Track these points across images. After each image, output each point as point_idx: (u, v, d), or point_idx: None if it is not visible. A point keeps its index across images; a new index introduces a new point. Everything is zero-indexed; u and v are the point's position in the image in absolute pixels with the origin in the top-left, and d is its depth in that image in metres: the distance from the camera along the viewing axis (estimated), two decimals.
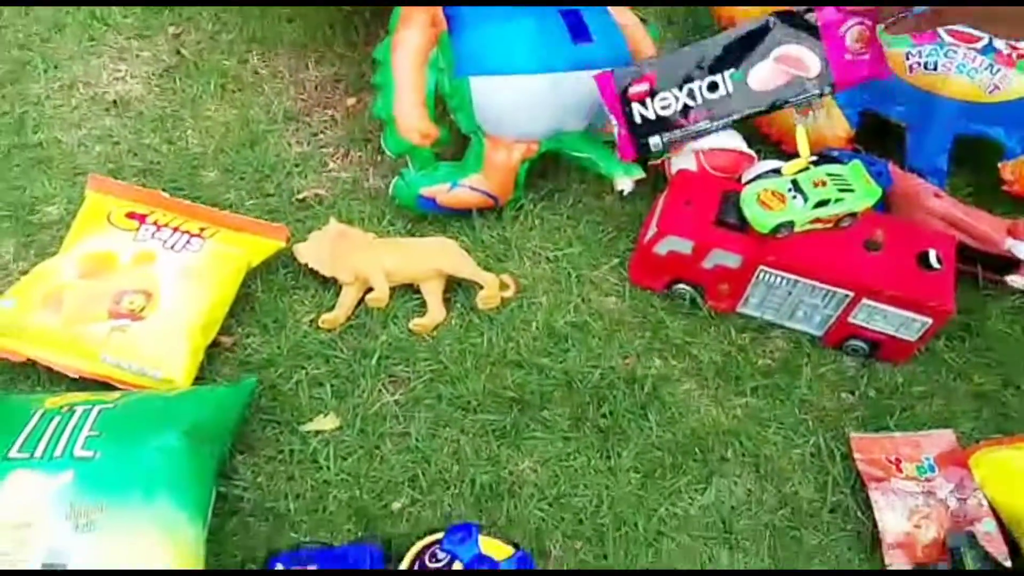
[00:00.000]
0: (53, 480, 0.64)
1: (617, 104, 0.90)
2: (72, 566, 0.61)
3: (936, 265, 0.84)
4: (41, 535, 0.62)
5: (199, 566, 0.65)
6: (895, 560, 0.76)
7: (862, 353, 0.90)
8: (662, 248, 0.89)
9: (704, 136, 0.92)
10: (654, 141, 0.92)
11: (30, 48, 1.12)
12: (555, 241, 0.98)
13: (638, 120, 0.91)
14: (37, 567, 0.61)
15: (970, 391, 0.89)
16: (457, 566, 0.64)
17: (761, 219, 0.83)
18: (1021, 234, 0.92)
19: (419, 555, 0.67)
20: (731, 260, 0.87)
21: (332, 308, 0.89)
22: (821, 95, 0.91)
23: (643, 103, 0.90)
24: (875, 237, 0.86)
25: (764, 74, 0.90)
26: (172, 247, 0.84)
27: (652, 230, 0.89)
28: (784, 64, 0.90)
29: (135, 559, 0.62)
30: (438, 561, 0.65)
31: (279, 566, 0.67)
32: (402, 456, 0.81)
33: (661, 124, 0.91)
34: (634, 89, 0.89)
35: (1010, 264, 0.93)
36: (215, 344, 0.84)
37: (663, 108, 0.90)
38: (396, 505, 0.78)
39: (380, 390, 0.85)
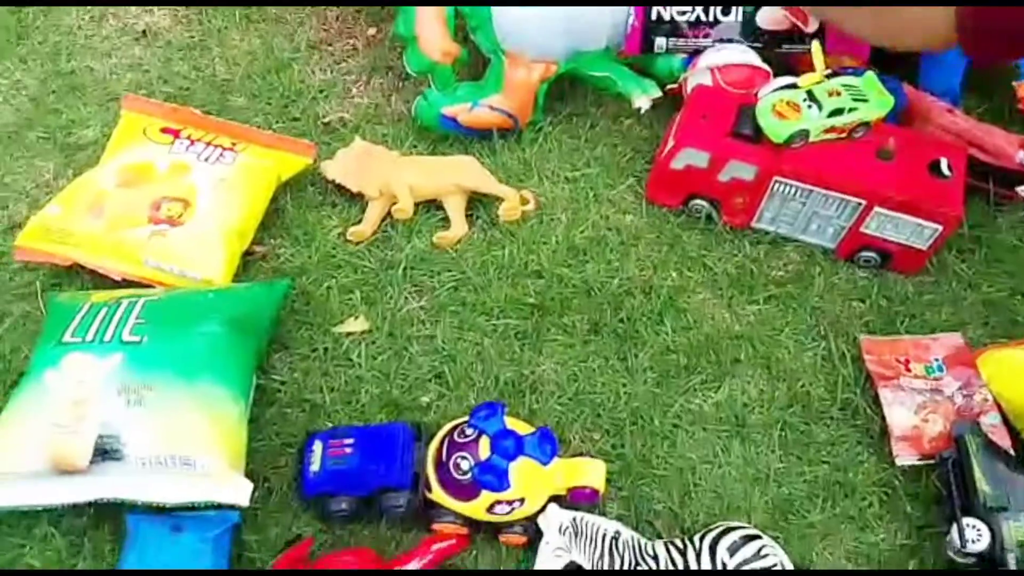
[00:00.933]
0: (104, 361, 0.69)
1: None
2: (124, 438, 0.66)
3: (947, 173, 0.86)
4: (96, 410, 0.67)
5: (242, 442, 0.70)
6: (902, 452, 0.79)
7: (874, 264, 0.92)
8: (679, 162, 0.91)
9: (704, 52, 0.96)
10: (659, 42, 0.96)
11: None
12: (573, 162, 1.01)
13: (654, 17, 0.94)
14: (94, 438, 0.66)
15: (979, 299, 0.91)
16: (484, 441, 0.68)
17: (776, 129, 0.86)
18: None
19: (448, 435, 0.71)
20: (746, 172, 0.89)
21: (359, 222, 0.92)
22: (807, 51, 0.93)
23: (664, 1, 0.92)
24: (887, 146, 0.88)
25: (771, 16, 0.94)
26: (206, 159, 0.87)
27: (669, 144, 0.92)
28: (792, 15, 0.93)
29: (181, 433, 0.67)
30: (466, 437, 0.69)
31: (317, 443, 0.71)
32: (429, 356, 0.85)
33: (671, 28, 0.94)
34: None
35: (1022, 179, 0.94)
36: (249, 253, 0.88)
37: (680, 14, 0.93)
38: (424, 400, 0.81)
39: (407, 297, 0.89)
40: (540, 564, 0.69)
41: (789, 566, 0.70)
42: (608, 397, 0.83)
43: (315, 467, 0.70)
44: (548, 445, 0.68)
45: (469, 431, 0.69)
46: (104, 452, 0.65)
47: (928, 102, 0.97)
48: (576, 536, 0.69)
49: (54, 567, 0.70)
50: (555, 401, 0.82)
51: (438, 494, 0.69)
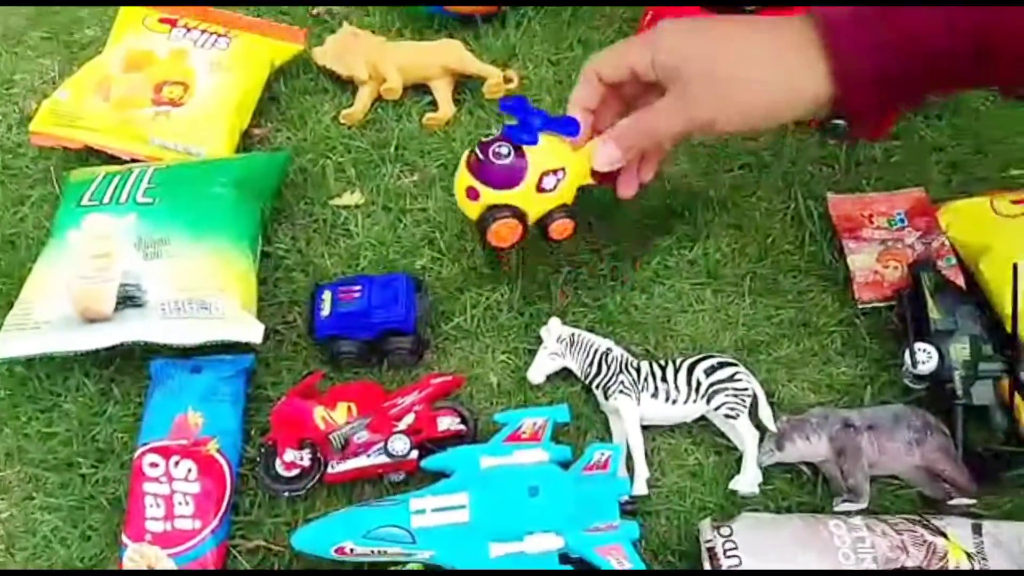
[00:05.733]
0: (121, 220, 0.75)
1: None
2: (145, 285, 0.72)
3: None
4: (117, 262, 0.73)
5: (252, 289, 0.76)
6: (864, 295, 0.85)
7: (842, 130, 0.97)
8: None
9: None
10: None
11: None
12: (557, 45, 1.04)
13: None
14: (116, 287, 0.72)
15: (943, 160, 0.96)
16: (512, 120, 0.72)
17: None
18: None
19: (475, 145, 0.73)
20: None
21: (351, 106, 0.97)
22: None
23: None
24: None
25: None
26: (202, 45, 0.92)
27: (647, 18, 0.95)
28: None
29: (196, 280, 0.73)
30: (492, 136, 0.72)
31: (327, 292, 0.77)
32: (421, 226, 0.90)
33: None
34: None
35: None
36: (248, 136, 0.93)
37: None
38: (419, 263, 0.88)
39: (399, 175, 0.94)
40: (536, 365, 0.78)
41: (760, 392, 0.77)
42: (589, 257, 0.89)
43: (325, 312, 0.76)
44: (573, 125, 0.71)
45: (496, 140, 0.72)
46: (127, 299, 0.72)
47: None
48: (571, 347, 0.77)
49: (88, 412, 0.78)
50: (541, 261, 0.88)
51: (487, 193, 0.71)
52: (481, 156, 0.72)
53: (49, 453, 0.76)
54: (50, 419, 0.78)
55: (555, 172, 0.72)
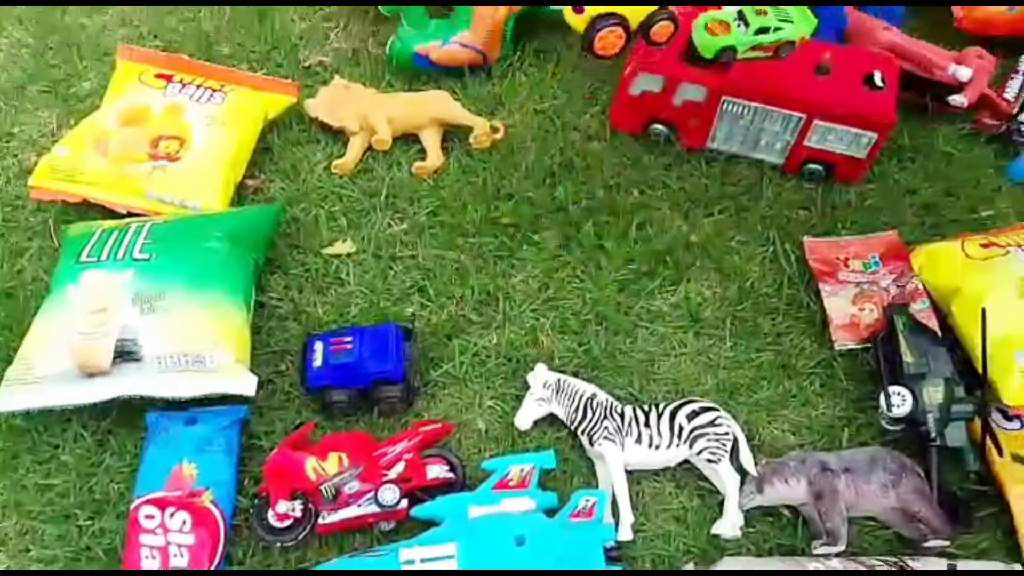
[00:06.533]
0: (118, 276, 0.77)
1: None
2: (141, 340, 0.74)
3: (880, 84, 0.93)
4: (115, 317, 0.75)
5: (246, 342, 0.78)
6: (841, 338, 0.87)
7: (819, 176, 1.00)
8: (636, 88, 0.98)
9: None
10: None
11: None
12: (541, 94, 1.08)
13: None
14: (114, 342, 0.74)
15: (916, 202, 0.99)
16: None
17: (706, 44, 0.92)
18: (966, 61, 1.01)
19: None
20: (697, 93, 0.96)
21: (342, 156, 1.00)
22: None
23: None
24: (824, 62, 0.95)
25: None
26: (198, 100, 0.95)
27: (627, 71, 0.99)
28: None
29: (191, 334, 0.75)
30: None
31: (318, 343, 0.80)
32: (411, 273, 0.93)
33: None
34: None
35: (954, 90, 1.02)
36: (243, 187, 0.96)
37: None
38: (408, 310, 0.90)
39: (389, 222, 0.97)
40: (524, 410, 0.80)
41: (741, 436, 0.79)
42: (575, 303, 0.91)
43: (318, 363, 0.78)
44: None
45: None
46: (124, 354, 0.74)
47: (867, 21, 1.04)
48: (557, 392, 0.80)
49: (86, 463, 0.79)
50: (527, 307, 0.91)
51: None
52: None
53: (47, 505, 0.78)
54: (48, 470, 0.79)
55: None
